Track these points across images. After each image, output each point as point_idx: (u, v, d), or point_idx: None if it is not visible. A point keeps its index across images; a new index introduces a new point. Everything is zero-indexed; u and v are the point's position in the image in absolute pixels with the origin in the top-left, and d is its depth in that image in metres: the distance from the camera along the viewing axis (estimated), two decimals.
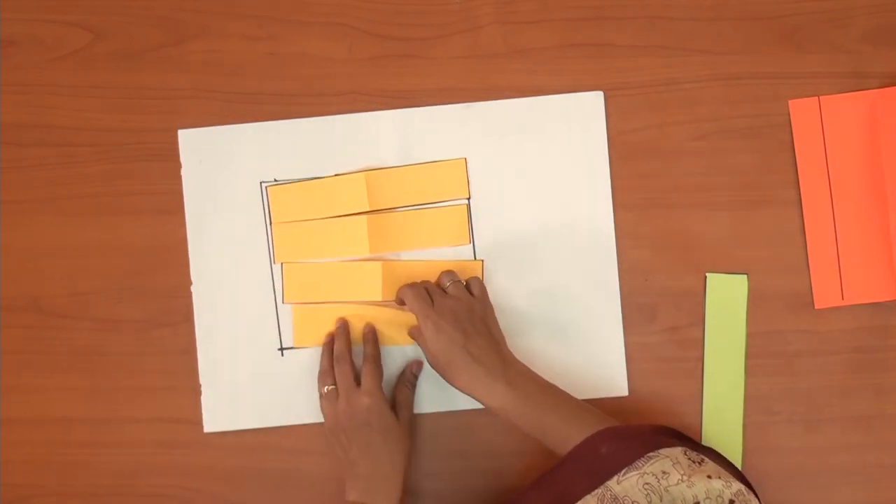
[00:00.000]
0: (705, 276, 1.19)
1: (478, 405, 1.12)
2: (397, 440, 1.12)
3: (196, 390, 1.20)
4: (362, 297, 1.19)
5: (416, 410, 1.19)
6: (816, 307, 1.18)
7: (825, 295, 1.18)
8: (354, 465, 1.10)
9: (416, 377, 1.18)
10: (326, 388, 1.14)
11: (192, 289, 1.20)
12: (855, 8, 1.19)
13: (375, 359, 1.15)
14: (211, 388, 1.19)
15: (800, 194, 1.18)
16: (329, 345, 1.17)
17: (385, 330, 1.18)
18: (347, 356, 1.15)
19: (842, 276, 1.17)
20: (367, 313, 1.19)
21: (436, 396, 1.19)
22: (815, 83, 1.19)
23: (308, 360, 1.19)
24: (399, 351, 1.19)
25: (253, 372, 1.19)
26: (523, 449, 1.19)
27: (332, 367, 1.15)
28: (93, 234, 1.21)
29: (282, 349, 1.19)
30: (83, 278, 1.21)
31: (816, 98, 1.18)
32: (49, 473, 1.20)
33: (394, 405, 1.15)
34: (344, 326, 1.18)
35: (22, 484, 1.20)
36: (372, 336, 1.17)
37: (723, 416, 1.18)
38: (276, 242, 1.20)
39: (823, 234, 1.18)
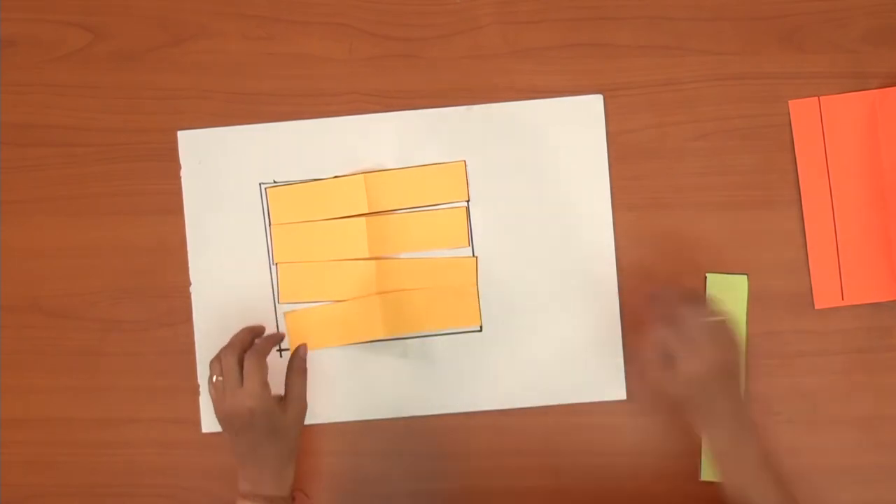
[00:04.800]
0: (705, 276, 1.18)
1: (476, 407, 1.14)
2: (285, 436, 1.07)
3: (195, 391, 1.20)
4: (358, 294, 1.18)
5: (413, 413, 1.19)
6: (816, 307, 1.18)
7: (825, 295, 1.18)
8: (243, 459, 1.07)
9: (305, 361, 1.11)
10: (215, 377, 1.06)
11: (192, 289, 1.20)
12: (855, 8, 1.19)
13: (260, 353, 1.06)
14: None
15: (800, 194, 1.18)
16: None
17: (381, 321, 1.18)
18: (237, 349, 1.06)
19: (842, 277, 1.17)
20: (361, 311, 1.19)
21: (435, 398, 1.19)
22: (815, 83, 1.19)
23: (307, 361, 1.19)
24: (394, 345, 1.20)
25: None
26: (524, 449, 1.19)
27: (223, 353, 1.07)
28: (93, 234, 1.21)
29: (280, 350, 1.20)
30: (83, 278, 1.21)
31: (816, 98, 1.18)
32: (49, 473, 1.21)
33: (284, 394, 1.09)
34: (258, 327, 1.11)
35: (22, 484, 1.21)
36: (272, 336, 1.11)
37: None
38: (276, 244, 1.20)
39: (823, 234, 1.18)
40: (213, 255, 1.20)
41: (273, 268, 1.20)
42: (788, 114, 1.19)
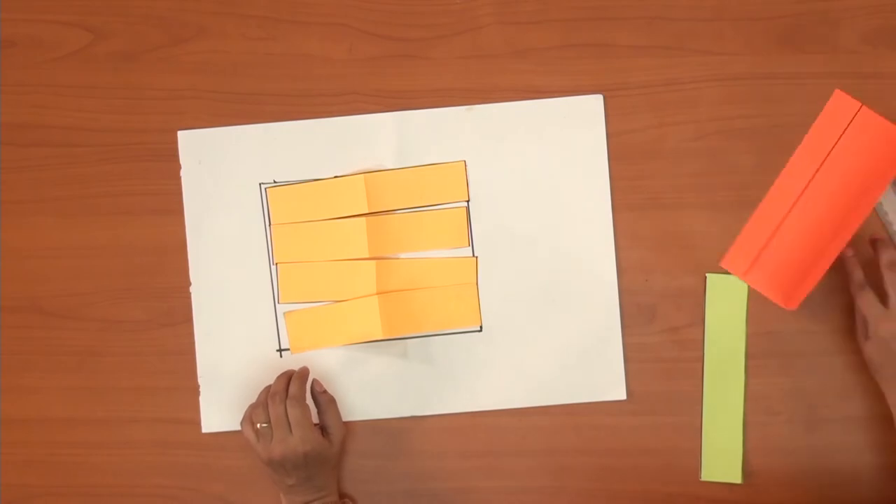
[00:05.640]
0: (705, 277, 1.18)
1: (476, 407, 1.14)
2: (333, 462, 1.15)
3: (195, 391, 1.20)
4: (358, 294, 1.18)
5: (413, 413, 1.20)
6: (721, 264, 1.18)
7: (737, 260, 1.17)
8: (293, 490, 1.13)
9: (326, 391, 1.17)
10: (260, 425, 1.12)
11: (191, 289, 1.20)
12: (855, 8, 1.19)
13: (301, 400, 1.13)
14: (209, 389, 1.20)
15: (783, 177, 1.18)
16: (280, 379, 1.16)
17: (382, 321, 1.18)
18: (284, 398, 1.13)
19: (759, 257, 1.17)
20: (362, 310, 1.19)
21: (435, 398, 1.19)
22: (815, 83, 1.19)
23: (307, 361, 1.19)
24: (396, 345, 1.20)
25: (251, 373, 1.19)
26: (523, 449, 1.19)
27: (266, 403, 1.13)
28: (93, 234, 1.21)
29: (280, 350, 1.20)
30: (83, 278, 1.21)
31: (859, 103, 1.17)
32: (49, 473, 1.21)
33: (323, 428, 1.16)
34: (288, 373, 1.17)
35: (22, 484, 1.21)
36: (299, 375, 1.16)
37: (723, 416, 1.18)
38: (276, 244, 1.20)
39: (770, 217, 1.17)
40: (213, 255, 1.20)
41: (273, 268, 1.20)
42: (788, 114, 1.18)
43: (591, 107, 1.19)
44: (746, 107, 1.19)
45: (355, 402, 1.20)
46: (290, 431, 1.11)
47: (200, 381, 1.20)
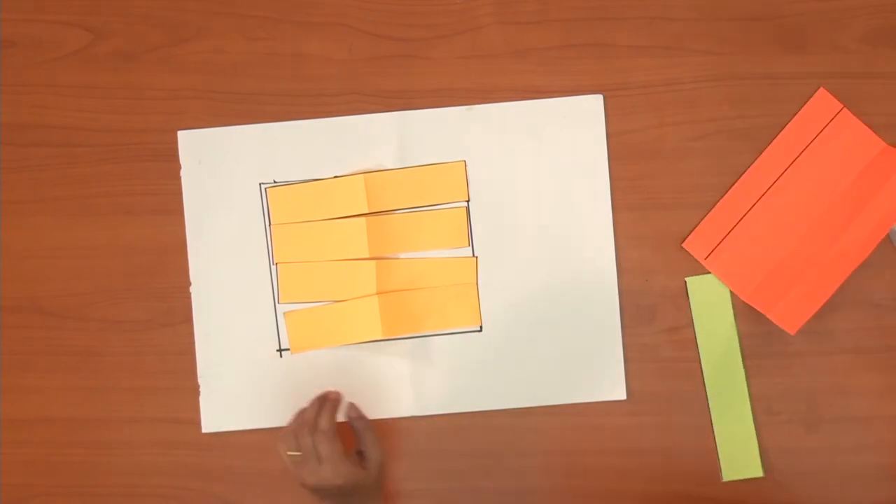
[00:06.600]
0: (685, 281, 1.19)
1: (476, 407, 1.14)
2: (373, 489, 1.13)
3: (195, 391, 1.20)
4: (358, 294, 1.18)
5: (413, 414, 1.19)
6: (684, 245, 1.18)
7: (699, 245, 1.18)
8: None
9: (364, 418, 1.16)
10: (290, 452, 1.10)
11: (191, 289, 1.20)
12: (855, 8, 1.19)
13: (331, 433, 1.10)
14: (209, 389, 1.20)
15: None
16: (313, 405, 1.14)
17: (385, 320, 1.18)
18: (312, 427, 1.10)
19: (720, 245, 1.17)
20: (363, 311, 1.19)
21: (435, 398, 1.19)
22: (816, 83, 1.19)
23: (307, 361, 1.19)
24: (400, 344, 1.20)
25: (251, 373, 1.19)
26: (523, 449, 1.19)
27: (296, 432, 1.11)
28: (93, 234, 1.21)
29: (280, 350, 1.20)
30: (83, 278, 1.21)
31: (841, 104, 1.17)
32: (49, 473, 1.21)
33: (360, 452, 1.15)
34: (323, 398, 1.15)
35: (22, 484, 1.21)
36: (331, 405, 1.13)
37: (731, 415, 1.17)
38: (276, 244, 1.20)
39: (734, 206, 1.18)
40: (213, 255, 1.20)
41: (273, 268, 1.20)
42: (788, 114, 1.19)
43: (591, 107, 1.19)
44: (746, 107, 1.19)
45: (356, 402, 1.19)
46: (321, 462, 1.09)
47: (200, 381, 1.20)
